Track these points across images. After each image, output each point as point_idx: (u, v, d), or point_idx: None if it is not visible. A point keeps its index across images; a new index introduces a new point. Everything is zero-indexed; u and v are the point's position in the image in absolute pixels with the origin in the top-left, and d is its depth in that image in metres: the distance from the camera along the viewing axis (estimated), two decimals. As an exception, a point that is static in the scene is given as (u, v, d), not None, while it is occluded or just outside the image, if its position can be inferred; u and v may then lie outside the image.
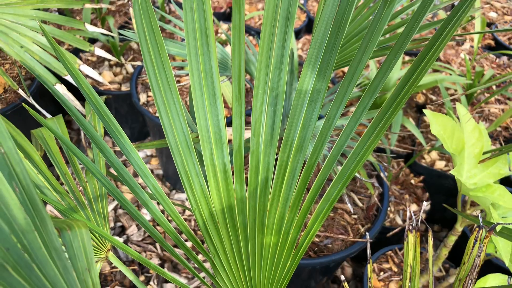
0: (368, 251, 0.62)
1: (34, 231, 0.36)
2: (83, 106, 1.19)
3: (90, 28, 1.14)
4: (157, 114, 1.32)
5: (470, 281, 0.55)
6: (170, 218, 1.55)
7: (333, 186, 0.48)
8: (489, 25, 2.27)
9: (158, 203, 0.70)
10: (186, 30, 0.52)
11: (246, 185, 0.51)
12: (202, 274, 1.43)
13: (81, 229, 0.40)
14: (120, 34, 1.77)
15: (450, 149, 0.85)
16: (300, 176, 0.50)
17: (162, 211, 1.58)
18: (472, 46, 2.10)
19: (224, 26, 1.91)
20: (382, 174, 1.01)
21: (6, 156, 0.39)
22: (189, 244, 1.55)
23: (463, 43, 2.11)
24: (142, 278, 1.47)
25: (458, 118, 1.58)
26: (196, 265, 1.19)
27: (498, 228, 0.76)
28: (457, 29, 0.41)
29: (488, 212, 0.82)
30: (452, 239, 0.99)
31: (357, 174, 0.87)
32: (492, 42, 2.16)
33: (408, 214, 0.60)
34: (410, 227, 0.61)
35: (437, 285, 1.12)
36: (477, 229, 0.61)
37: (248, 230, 0.51)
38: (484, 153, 0.92)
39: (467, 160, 0.88)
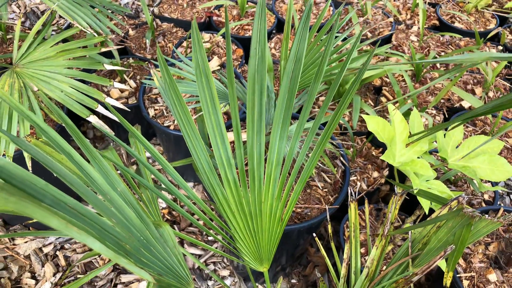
0: (328, 216, 0.98)
1: (146, 230, 0.72)
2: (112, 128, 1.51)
3: (108, 67, 1.45)
4: (165, 124, 1.64)
5: (387, 227, 0.92)
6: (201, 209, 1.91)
7: (296, 187, 0.83)
8: (434, 5, 2.60)
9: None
10: (201, 98, 0.86)
11: (249, 188, 0.87)
12: (214, 246, 1.80)
13: (166, 226, 0.75)
14: (120, 54, 2.08)
15: (383, 139, 1.21)
16: (279, 180, 0.85)
17: (180, 205, 1.93)
18: (420, 28, 2.44)
19: (205, 35, 2.22)
20: (342, 158, 1.37)
21: (123, 193, 0.74)
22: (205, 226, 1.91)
23: (412, 26, 2.45)
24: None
25: (405, 97, 1.95)
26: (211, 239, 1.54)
27: (415, 191, 1.14)
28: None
29: (412, 180, 1.19)
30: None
31: (320, 164, 1.23)
32: (437, 22, 2.50)
33: (349, 191, 0.97)
34: (351, 198, 0.97)
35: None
36: (394, 195, 0.98)
37: (252, 215, 0.87)
38: (415, 134, 1.29)
39: (398, 143, 1.25)
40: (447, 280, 0.85)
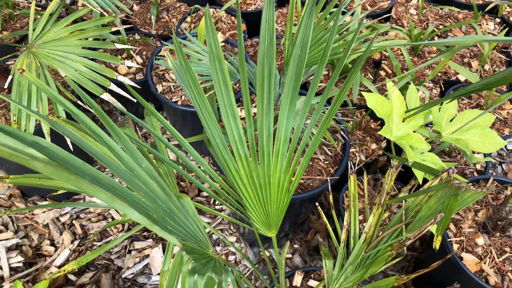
0: (329, 187, 1.08)
1: (169, 202, 0.81)
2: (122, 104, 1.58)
3: (119, 46, 1.51)
4: (173, 100, 1.72)
5: (383, 197, 1.02)
6: (215, 181, 2.01)
7: (303, 161, 0.92)
8: (434, -22, 2.62)
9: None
10: (214, 81, 0.93)
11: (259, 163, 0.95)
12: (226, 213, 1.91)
13: (186, 197, 0.84)
14: (126, 30, 2.12)
15: (381, 115, 1.29)
16: (287, 155, 0.94)
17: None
18: (419, 1, 2.48)
19: (210, 10, 2.25)
20: (342, 132, 1.45)
21: (147, 169, 0.83)
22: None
23: (411, -1, 2.48)
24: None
25: (405, 75, 2.01)
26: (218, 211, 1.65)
27: (410, 164, 1.22)
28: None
29: (407, 153, 1.28)
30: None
31: (322, 138, 1.32)
32: (436, -5, 2.53)
33: (349, 164, 1.06)
34: (351, 171, 1.06)
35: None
36: (390, 167, 1.07)
37: (262, 186, 0.96)
38: (411, 109, 1.37)
39: (395, 118, 1.33)
40: (436, 244, 0.95)
